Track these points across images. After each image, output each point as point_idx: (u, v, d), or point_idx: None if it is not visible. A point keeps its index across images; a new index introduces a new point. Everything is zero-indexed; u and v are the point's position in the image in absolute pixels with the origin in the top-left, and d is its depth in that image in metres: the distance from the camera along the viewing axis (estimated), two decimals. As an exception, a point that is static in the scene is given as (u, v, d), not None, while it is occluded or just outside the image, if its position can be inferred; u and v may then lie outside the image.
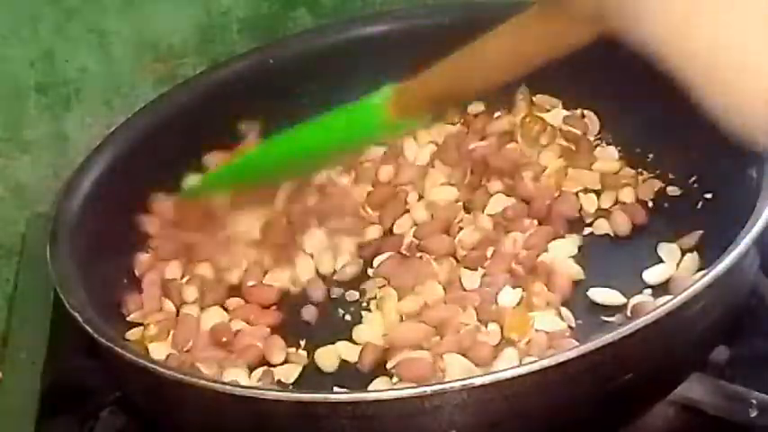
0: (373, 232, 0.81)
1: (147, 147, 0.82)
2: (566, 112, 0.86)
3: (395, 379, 0.67)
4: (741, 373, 0.67)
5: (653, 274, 0.73)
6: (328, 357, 0.71)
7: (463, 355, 0.67)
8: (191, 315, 0.74)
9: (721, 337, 0.67)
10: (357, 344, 0.71)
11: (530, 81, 0.87)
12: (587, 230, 0.79)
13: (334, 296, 0.76)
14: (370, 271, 0.78)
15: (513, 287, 0.72)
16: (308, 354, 0.72)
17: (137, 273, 0.78)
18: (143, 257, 0.79)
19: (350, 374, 0.70)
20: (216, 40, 0.92)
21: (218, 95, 0.86)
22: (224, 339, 0.72)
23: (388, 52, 0.89)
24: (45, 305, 0.79)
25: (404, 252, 0.78)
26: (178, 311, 0.75)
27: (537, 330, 0.69)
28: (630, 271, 0.74)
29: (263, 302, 0.76)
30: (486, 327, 0.69)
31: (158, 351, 0.72)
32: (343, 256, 0.79)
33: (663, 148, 0.81)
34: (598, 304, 0.72)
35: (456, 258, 0.76)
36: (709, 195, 0.76)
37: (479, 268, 0.76)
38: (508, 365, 0.64)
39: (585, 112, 0.86)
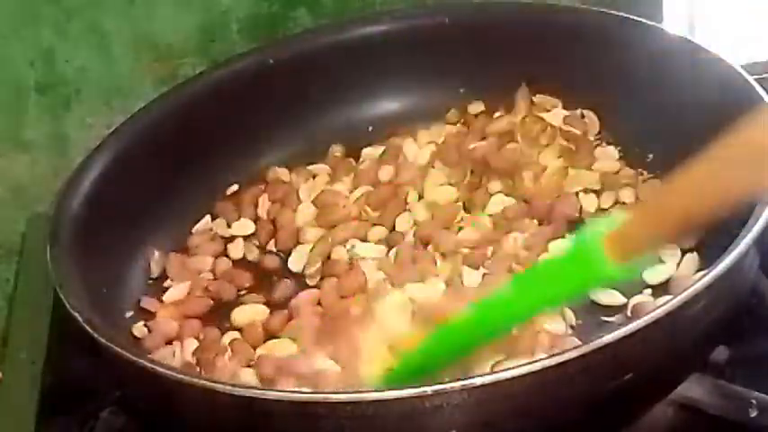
0: (376, 233, 0.81)
1: (147, 147, 0.82)
2: (566, 112, 0.86)
3: None
4: (741, 373, 0.67)
5: (653, 274, 0.73)
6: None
7: None
8: None
9: (721, 337, 0.67)
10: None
11: (530, 81, 0.87)
12: (587, 231, 0.79)
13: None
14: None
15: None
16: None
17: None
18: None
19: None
20: (216, 40, 0.92)
21: (218, 95, 0.86)
22: None
23: (388, 52, 0.89)
24: (45, 305, 0.79)
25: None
26: None
27: (538, 330, 0.69)
28: (630, 271, 0.74)
29: None
30: None
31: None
32: None
33: (663, 148, 0.81)
34: (598, 304, 0.72)
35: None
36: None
37: (480, 267, 0.76)
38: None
39: (585, 112, 0.86)
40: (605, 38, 0.84)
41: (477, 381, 0.57)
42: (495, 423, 0.58)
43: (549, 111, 0.86)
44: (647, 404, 0.65)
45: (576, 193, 0.81)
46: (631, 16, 0.84)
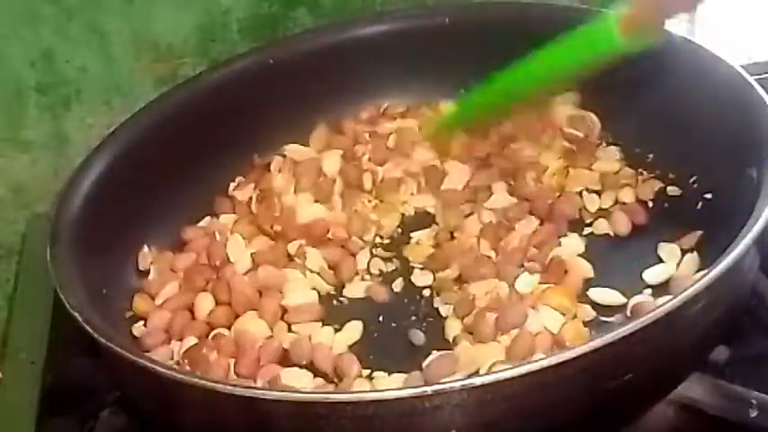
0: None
1: (147, 147, 0.82)
2: (571, 112, 0.86)
3: None
4: (741, 373, 0.67)
5: (653, 274, 0.73)
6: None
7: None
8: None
9: (721, 337, 0.67)
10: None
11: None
12: (587, 230, 0.79)
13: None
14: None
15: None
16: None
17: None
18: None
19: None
20: (216, 40, 0.92)
21: (218, 95, 0.86)
22: None
23: (388, 52, 0.89)
24: (45, 305, 0.79)
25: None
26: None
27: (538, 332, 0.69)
28: (630, 271, 0.74)
29: None
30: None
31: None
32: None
33: (663, 148, 0.81)
34: (598, 304, 0.72)
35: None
36: (709, 195, 0.76)
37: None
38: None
39: (585, 112, 0.86)
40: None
41: (477, 381, 0.57)
42: (494, 423, 0.58)
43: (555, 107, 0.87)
44: (647, 404, 0.65)
45: (579, 193, 0.81)
46: (631, 16, 0.84)
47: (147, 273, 0.79)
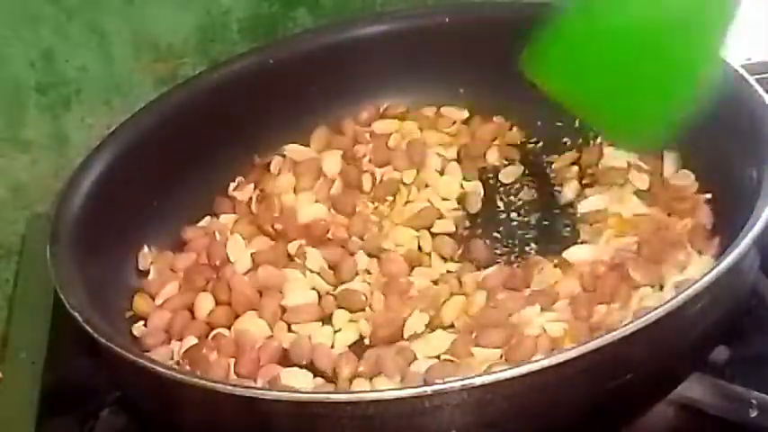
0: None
1: (147, 147, 0.82)
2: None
3: None
4: (741, 373, 0.67)
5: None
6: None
7: None
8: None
9: (721, 337, 0.67)
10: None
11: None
12: (588, 230, 0.79)
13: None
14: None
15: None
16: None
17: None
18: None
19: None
20: (216, 40, 0.92)
21: (218, 95, 0.86)
22: None
23: (388, 52, 0.89)
24: (45, 305, 0.79)
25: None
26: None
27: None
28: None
29: None
30: None
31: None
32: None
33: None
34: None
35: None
36: (709, 195, 0.76)
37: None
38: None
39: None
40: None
41: (477, 381, 0.57)
42: (494, 423, 0.58)
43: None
44: (647, 404, 0.65)
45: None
46: (631, 16, 0.84)
47: (147, 273, 0.79)
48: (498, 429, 0.59)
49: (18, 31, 0.87)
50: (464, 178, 0.85)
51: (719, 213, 0.74)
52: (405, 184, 0.84)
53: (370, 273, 0.78)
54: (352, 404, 0.57)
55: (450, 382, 0.57)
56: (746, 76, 0.74)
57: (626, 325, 0.58)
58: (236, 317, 0.75)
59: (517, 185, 0.85)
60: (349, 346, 0.72)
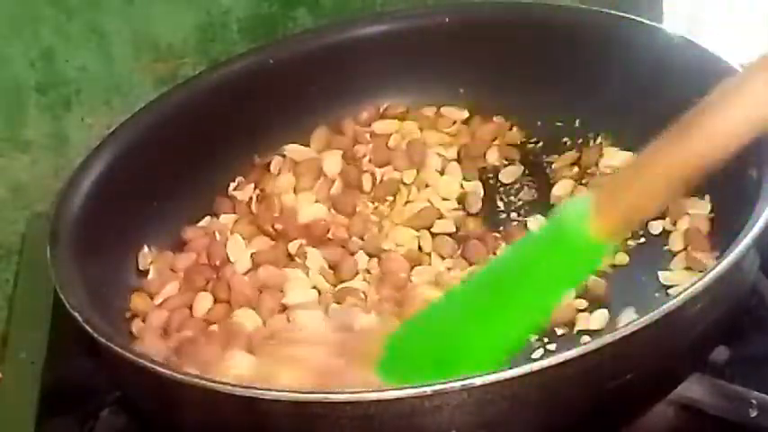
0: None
1: (147, 147, 0.82)
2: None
3: None
4: (741, 373, 0.67)
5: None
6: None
7: None
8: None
9: (721, 337, 0.67)
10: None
11: (530, 81, 0.87)
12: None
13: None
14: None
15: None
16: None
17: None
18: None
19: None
20: (216, 40, 0.92)
21: (218, 95, 0.86)
22: None
23: (388, 52, 0.89)
24: (45, 305, 0.79)
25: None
26: None
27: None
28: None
29: None
30: None
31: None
32: None
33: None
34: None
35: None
36: (708, 195, 0.76)
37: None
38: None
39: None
40: (605, 38, 0.84)
41: (477, 381, 0.57)
42: (495, 423, 0.58)
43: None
44: (647, 404, 0.65)
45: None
46: (631, 16, 0.84)
47: (146, 273, 0.79)
48: (498, 429, 0.59)
49: (18, 31, 0.87)
50: (464, 178, 0.85)
51: (719, 213, 0.74)
52: (405, 184, 0.84)
53: (370, 272, 0.78)
54: (352, 404, 0.57)
55: (450, 382, 0.57)
56: (746, 76, 0.74)
57: (626, 325, 0.58)
58: None
59: (517, 185, 0.85)
60: None
